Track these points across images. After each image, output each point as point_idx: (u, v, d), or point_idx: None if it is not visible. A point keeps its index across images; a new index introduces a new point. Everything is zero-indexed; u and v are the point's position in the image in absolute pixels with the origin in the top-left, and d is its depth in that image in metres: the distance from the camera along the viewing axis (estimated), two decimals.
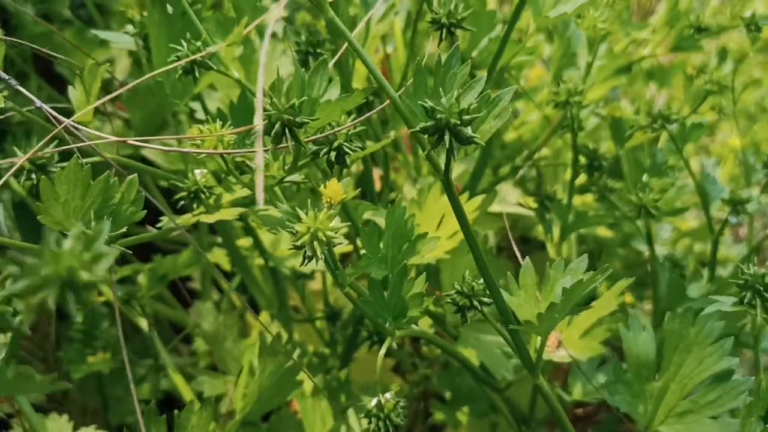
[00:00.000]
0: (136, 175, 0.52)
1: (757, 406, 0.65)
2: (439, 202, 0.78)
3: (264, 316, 0.95)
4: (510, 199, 1.13)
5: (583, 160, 0.83)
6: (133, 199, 0.51)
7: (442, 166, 0.48)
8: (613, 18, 0.80)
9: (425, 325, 0.91)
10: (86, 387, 0.95)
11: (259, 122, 0.47)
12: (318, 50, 0.72)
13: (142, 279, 0.86)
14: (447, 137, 0.43)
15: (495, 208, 1.17)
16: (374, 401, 0.58)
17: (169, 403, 0.91)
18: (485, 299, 0.59)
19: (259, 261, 0.96)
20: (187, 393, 0.86)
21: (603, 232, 1.21)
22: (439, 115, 0.43)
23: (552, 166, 1.09)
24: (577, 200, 1.21)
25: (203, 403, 0.65)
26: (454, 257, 0.77)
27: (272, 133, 0.45)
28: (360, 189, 0.91)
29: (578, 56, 0.80)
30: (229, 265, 0.97)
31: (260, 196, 0.40)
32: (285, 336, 0.92)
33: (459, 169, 1.00)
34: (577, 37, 0.81)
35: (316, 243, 0.48)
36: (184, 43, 0.56)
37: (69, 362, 0.88)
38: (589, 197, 1.21)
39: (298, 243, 0.48)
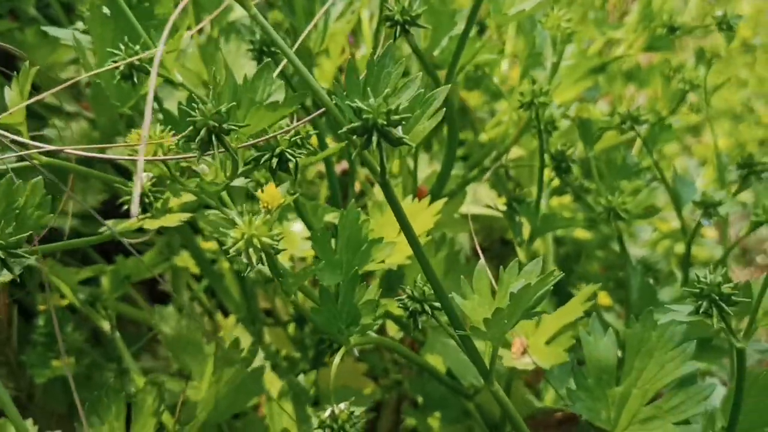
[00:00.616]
0: (40, 178, 0.51)
1: (721, 415, 0.63)
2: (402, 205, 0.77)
3: (231, 319, 0.93)
4: (487, 201, 1.11)
5: (548, 162, 0.82)
6: (39, 202, 0.50)
7: (379, 168, 0.46)
8: (581, 15, 0.78)
9: (393, 330, 0.90)
10: (51, 391, 0.94)
11: (144, 135, 0.45)
12: (272, 50, 0.70)
13: (104, 280, 0.84)
14: (375, 138, 0.42)
15: (471, 209, 1.16)
16: (327, 412, 0.56)
17: None
18: (436, 304, 0.58)
19: (227, 264, 0.94)
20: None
21: (581, 233, 1.20)
22: (365, 116, 0.41)
23: (528, 167, 1.08)
24: (555, 201, 1.20)
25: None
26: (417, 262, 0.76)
27: (197, 140, 0.44)
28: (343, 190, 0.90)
29: (544, 56, 0.78)
30: (196, 268, 0.96)
31: (134, 209, 0.39)
32: (248, 340, 0.91)
33: (428, 170, 0.98)
34: (542, 36, 0.79)
35: (251, 250, 0.46)
36: (122, 47, 0.55)
37: (32, 366, 0.87)
38: (567, 198, 1.20)
39: (232, 250, 0.46)
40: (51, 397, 0.97)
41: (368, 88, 0.44)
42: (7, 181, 0.49)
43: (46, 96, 0.51)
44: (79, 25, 0.67)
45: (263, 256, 0.48)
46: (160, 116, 0.81)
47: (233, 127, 0.44)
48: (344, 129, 0.42)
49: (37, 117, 1.00)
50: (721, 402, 0.65)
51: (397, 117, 0.42)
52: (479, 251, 0.74)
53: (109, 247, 1.07)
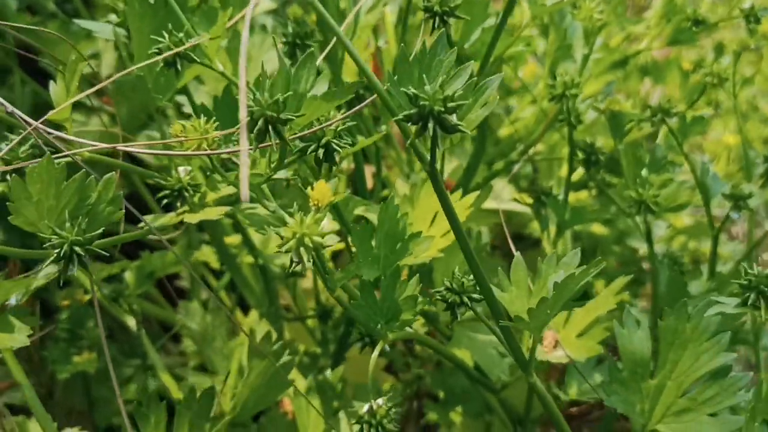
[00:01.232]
0: (113, 173, 0.50)
1: (761, 409, 0.63)
2: (432, 198, 0.76)
3: (253, 314, 0.93)
4: (504, 196, 1.11)
5: (580, 154, 0.81)
6: (111, 198, 0.50)
7: (428, 156, 0.46)
8: (610, 10, 0.78)
9: (417, 324, 0.90)
10: (72, 387, 0.93)
11: (243, 118, 0.45)
12: (306, 42, 0.70)
13: (128, 277, 0.84)
14: (431, 125, 0.41)
15: (489, 204, 1.15)
16: (366, 407, 0.56)
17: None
18: (475, 296, 0.57)
19: (249, 259, 0.94)
20: (176, 394, 0.84)
21: (598, 229, 1.20)
22: (422, 102, 0.41)
23: (547, 161, 1.08)
24: (572, 197, 1.20)
25: (201, 396, 0.64)
26: (447, 255, 0.75)
27: (254, 130, 0.43)
28: (352, 186, 0.90)
29: (574, 48, 0.78)
30: (217, 263, 0.96)
31: (244, 191, 0.38)
32: (274, 335, 0.91)
33: (452, 165, 0.98)
34: (573, 28, 0.79)
35: (302, 249, 0.46)
36: (166, 35, 0.54)
37: (54, 362, 0.86)
38: (583, 194, 1.19)
39: (284, 249, 0.46)
40: (70, 393, 0.96)
41: (423, 76, 0.44)
42: (81, 177, 0.49)
43: (89, 93, 0.50)
44: (112, 18, 0.67)
45: (313, 254, 0.47)
46: (186, 110, 0.80)
47: (290, 116, 0.44)
48: (400, 116, 0.42)
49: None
50: (752, 395, 0.65)
51: (453, 104, 0.42)
52: (512, 246, 0.74)
53: (129, 244, 1.07)
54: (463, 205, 0.73)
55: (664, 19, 0.92)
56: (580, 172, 0.91)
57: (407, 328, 0.64)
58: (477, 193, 0.73)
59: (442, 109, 0.41)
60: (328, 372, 0.82)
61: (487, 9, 0.71)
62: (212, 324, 0.80)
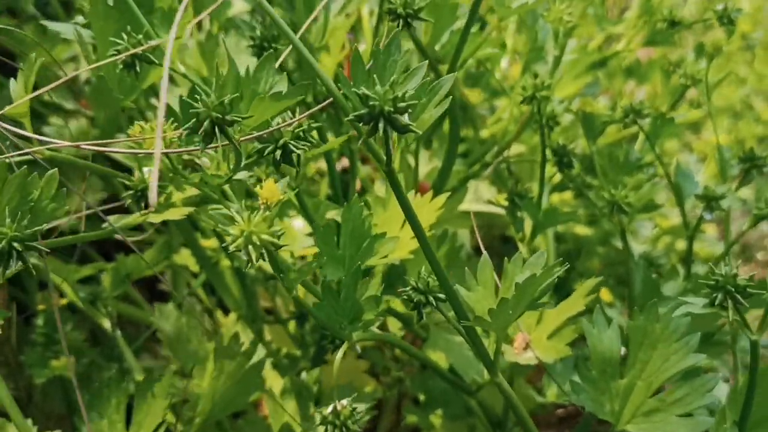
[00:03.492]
0: (56, 170, 0.50)
1: (732, 410, 0.63)
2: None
3: (232, 317, 0.93)
4: (487, 197, 1.11)
5: (552, 156, 0.81)
6: (53, 195, 0.49)
7: (384, 157, 0.46)
8: (581, 11, 0.78)
9: (395, 327, 0.90)
10: (50, 391, 0.93)
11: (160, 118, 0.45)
12: (273, 45, 0.70)
13: (105, 279, 0.84)
14: (381, 125, 0.41)
15: (471, 206, 1.15)
16: (330, 408, 0.56)
17: None
18: (441, 295, 0.57)
19: (227, 262, 0.94)
20: None
21: (582, 230, 1.20)
22: (372, 102, 0.41)
23: (529, 162, 1.08)
24: (556, 198, 1.20)
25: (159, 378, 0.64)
26: (420, 257, 0.75)
27: (200, 132, 0.43)
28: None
29: (546, 50, 0.78)
30: (196, 266, 0.96)
31: (153, 196, 0.38)
32: (250, 337, 0.91)
33: (428, 167, 0.98)
34: (545, 30, 0.79)
35: (250, 247, 0.46)
36: (125, 36, 0.54)
37: (31, 366, 0.86)
38: (568, 195, 1.19)
39: (232, 247, 0.46)
40: (50, 398, 0.96)
41: (374, 76, 0.44)
42: (22, 173, 0.49)
43: (49, 89, 0.51)
44: (79, 19, 0.67)
45: (264, 252, 0.47)
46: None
47: (237, 118, 0.44)
48: (350, 116, 0.42)
49: (36, 115, 0.99)
50: (727, 397, 0.65)
51: (403, 104, 0.42)
52: (481, 246, 0.74)
53: (109, 247, 1.07)
54: (434, 206, 0.73)
55: (641, 19, 0.93)
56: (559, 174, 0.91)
57: (374, 329, 0.64)
58: (447, 194, 0.73)
59: (392, 109, 0.41)
60: (304, 374, 0.82)
61: (456, 11, 0.71)
62: (187, 325, 0.80)
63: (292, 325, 0.98)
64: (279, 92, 0.46)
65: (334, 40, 0.87)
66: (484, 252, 0.61)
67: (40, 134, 1.01)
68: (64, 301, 0.87)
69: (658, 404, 0.64)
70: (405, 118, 0.42)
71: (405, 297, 0.59)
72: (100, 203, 0.99)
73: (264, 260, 0.50)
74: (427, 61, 0.46)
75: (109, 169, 0.58)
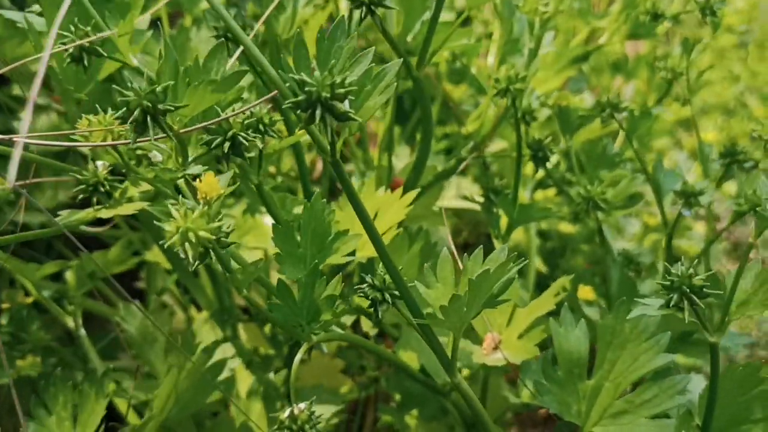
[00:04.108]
0: None
1: (698, 412, 0.61)
2: (373, 197, 0.74)
3: (203, 315, 0.91)
4: (467, 194, 1.09)
5: (527, 151, 0.79)
6: None
7: (328, 146, 0.44)
8: (567, 4, 0.76)
9: (367, 326, 0.88)
10: (19, 391, 0.91)
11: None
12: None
13: (69, 276, 0.82)
14: (318, 112, 0.40)
15: (454, 204, 1.13)
16: (287, 411, 0.54)
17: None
18: (397, 292, 0.56)
19: None
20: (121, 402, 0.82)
21: (567, 228, 1.18)
22: (308, 89, 0.39)
23: (510, 159, 1.05)
24: (540, 195, 1.18)
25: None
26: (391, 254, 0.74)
27: (130, 121, 0.42)
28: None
29: (522, 43, 0.76)
30: (168, 264, 0.94)
31: (12, 177, 0.36)
32: (219, 335, 0.89)
33: (403, 162, 0.96)
34: (521, 22, 0.77)
35: (187, 244, 0.44)
36: (72, 28, 0.53)
37: None
38: (552, 192, 1.17)
39: (167, 244, 0.44)
40: (21, 398, 0.94)
41: (316, 62, 0.42)
42: None
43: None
44: (36, 8, 0.65)
45: (211, 251, 0.46)
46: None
47: (169, 107, 0.42)
48: (287, 103, 0.40)
49: (6, 110, 0.98)
50: (699, 398, 0.63)
51: (342, 90, 0.40)
52: (451, 243, 0.72)
53: (91, 245, 1.05)
54: (403, 202, 0.71)
55: (624, 12, 0.91)
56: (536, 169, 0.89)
57: (335, 329, 0.62)
58: (418, 190, 0.71)
59: (329, 95, 0.39)
60: (272, 374, 0.80)
61: (426, 1, 0.69)
62: (152, 326, 0.78)
63: (268, 325, 0.96)
64: (214, 80, 0.44)
65: (309, 32, 0.85)
66: (446, 248, 0.59)
67: (10, 129, 1.00)
68: (29, 300, 0.85)
69: (626, 406, 0.62)
70: (345, 105, 0.40)
71: (361, 294, 0.57)
72: (71, 199, 0.98)
73: (212, 258, 0.48)
74: (373, 48, 0.44)
75: (61, 164, 0.56)
